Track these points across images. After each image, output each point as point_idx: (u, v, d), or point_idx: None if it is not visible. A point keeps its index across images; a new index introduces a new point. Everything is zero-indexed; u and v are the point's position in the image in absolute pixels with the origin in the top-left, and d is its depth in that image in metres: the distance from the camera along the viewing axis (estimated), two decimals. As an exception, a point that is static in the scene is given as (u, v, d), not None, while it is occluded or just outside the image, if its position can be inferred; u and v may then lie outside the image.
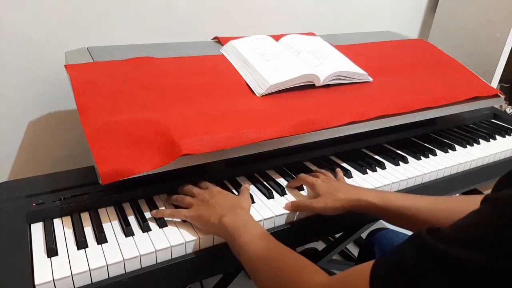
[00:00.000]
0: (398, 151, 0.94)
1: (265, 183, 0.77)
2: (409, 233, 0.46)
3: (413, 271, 0.35)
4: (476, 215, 0.35)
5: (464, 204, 0.60)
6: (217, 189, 0.68)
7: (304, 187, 0.76)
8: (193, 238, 0.61)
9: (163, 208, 0.67)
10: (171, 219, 0.65)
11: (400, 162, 0.88)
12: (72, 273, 0.54)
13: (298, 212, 0.70)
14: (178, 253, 0.61)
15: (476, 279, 0.31)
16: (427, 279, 0.34)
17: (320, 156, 0.89)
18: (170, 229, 0.63)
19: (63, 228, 0.63)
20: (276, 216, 0.68)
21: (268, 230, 0.67)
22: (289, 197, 0.73)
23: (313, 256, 1.06)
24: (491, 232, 0.32)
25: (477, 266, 0.31)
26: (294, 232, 0.70)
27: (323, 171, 0.79)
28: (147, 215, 0.66)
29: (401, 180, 0.82)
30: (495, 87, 1.12)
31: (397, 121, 0.85)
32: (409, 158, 0.91)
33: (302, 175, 0.75)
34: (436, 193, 0.89)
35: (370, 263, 0.39)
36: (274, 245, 0.54)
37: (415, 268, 0.35)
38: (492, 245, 0.31)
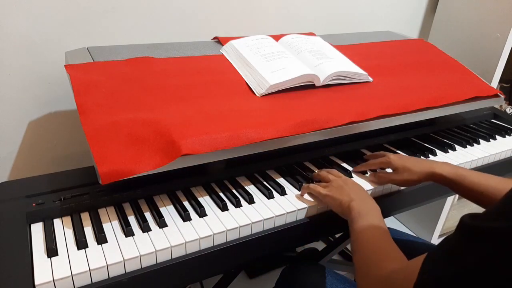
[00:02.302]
0: (398, 151, 0.94)
1: (265, 183, 0.77)
2: (411, 232, 0.46)
3: (456, 249, 0.37)
4: (510, 192, 0.37)
5: None
6: (349, 179, 0.73)
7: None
8: (193, 238, 0.61)
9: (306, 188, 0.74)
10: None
11: (400, 162, 0.88)
12: (72, 273, 0.54)
13: (298, 212, 0.70)
14: (178, 253, 0.61)
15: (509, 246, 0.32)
16: (468, 253, 0.36)
17: (320, 156, 0.89)
18: (170, 229, 0.63)
19: (63, 228, 0.62)
20: (276, 216, 0.68)
21: (268, 230, 0.68)
22: (289, 197, 0.73)
23: (313, 256, 1.06)
24: None
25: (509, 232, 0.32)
26: (294, 232, 0.70)
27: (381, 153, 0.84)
28: (147, 215, 0.66)
29: (401, 180, 0.82)
30: (495, 87, 1.12)
31: (397, 121, 0.85)
32: (409, 158, 0.91)
33: (370, 156, 0.84)
34: (436, 193, 0.89)
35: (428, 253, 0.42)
36: (374, 235, 0.58)
37: (457, 245, 0.37)
38: None
